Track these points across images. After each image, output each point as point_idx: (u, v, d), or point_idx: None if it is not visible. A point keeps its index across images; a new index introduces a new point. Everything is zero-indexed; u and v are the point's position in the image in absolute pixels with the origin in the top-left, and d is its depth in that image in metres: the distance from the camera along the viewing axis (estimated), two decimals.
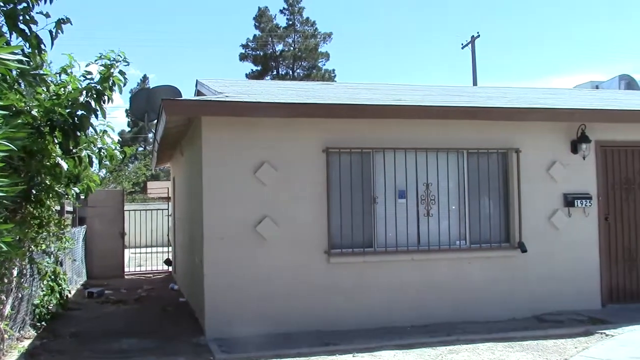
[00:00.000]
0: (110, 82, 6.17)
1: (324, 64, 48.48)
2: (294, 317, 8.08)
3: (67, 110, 5.87)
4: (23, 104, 5.61)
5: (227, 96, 8.66)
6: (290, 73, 47.55)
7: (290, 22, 48.48)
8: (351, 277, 8.39)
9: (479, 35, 32.50)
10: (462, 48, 33.62)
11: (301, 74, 46.79)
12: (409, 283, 8.57)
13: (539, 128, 9.21)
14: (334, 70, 48.51)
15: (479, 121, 8.94)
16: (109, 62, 6.20)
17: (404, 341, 7.47)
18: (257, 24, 48.39)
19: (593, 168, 9.43)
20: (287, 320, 8.04)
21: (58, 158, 5.92)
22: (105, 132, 6.70)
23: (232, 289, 7.97)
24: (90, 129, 6.25)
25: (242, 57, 48.67)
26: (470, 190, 9.02)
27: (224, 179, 8.08)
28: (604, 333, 7.70)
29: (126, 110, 48.22)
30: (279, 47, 48.28)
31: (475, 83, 31.26)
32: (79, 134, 6.06)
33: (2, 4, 4.57)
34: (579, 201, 9.20)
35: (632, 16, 74.69)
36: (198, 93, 11.36)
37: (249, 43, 48.38)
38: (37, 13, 4.89)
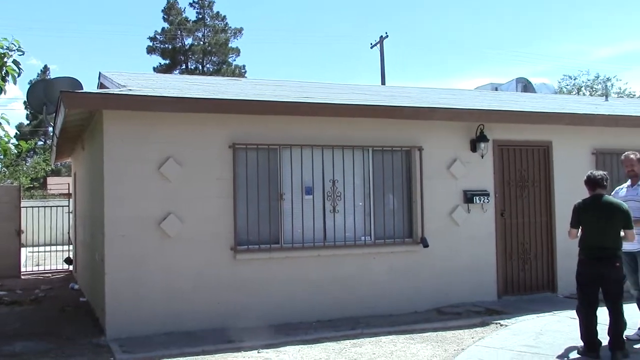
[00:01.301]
0: (3, 72, 5.88)
1: (235, 60, 48.06)
2: (199, 315, 7.99)
3: None
4: None
5: (130, 89, 8.43)
6: (200, 68, 46.80)
7: (200, 16, 47.71)
8: (257, 274, 8.38)
9: (387, 36, 33.15)
10: (371, 48, 34.22)
11: (211, 69, 46.14)
12: (315, 279, 8.66)
13: (440, 127, 9.53)
14: (244, 66, 48.20)
15: (384, 119, 9.15)
16: (1, 51, 5.89)
17: (309, 336, 7.54)
18: (165, 16, 47.29)
19: (491, 166, 9.87)
20: (192, 317, 7.94)
21: None
22: None
23: (135, 287, 7.78)
24: None
25: (150, 50, 47.45)
26: (375, 187, 9.22)
27: (126, 174, 7.86)
28: (499, 323, 8.08)
29: (24, 102, 45.90)
30: (189, 41, 47.44)
31: (383, 82, 31.89)
32: None
33: None
34: (477, 198, 9.61)
35: (529, 22, 78.62)
36: (101, 86, 10.99)
37: (157, 36, 47.23)
38: None
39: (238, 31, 48.14)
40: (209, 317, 8.02)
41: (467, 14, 78.98)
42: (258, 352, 6.90)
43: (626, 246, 6.45)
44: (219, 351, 6.96)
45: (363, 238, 9.10)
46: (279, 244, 8.58)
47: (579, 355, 6.32)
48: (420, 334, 7.64)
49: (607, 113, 11.15)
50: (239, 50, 48.20)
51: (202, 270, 8.10)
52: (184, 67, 46.94)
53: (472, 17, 78.86)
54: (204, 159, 8.22)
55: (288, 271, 8.54)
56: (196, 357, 6.77)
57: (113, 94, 8.11)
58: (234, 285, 8.24)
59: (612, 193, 7.07)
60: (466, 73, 72.39)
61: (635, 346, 6.61)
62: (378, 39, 33.47)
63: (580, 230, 6.44)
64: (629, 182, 7.05)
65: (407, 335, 7.59)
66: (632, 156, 6.99)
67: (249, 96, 9.33)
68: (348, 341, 7.34)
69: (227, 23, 48.07)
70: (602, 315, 6.33)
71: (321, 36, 74.56)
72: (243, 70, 47.43)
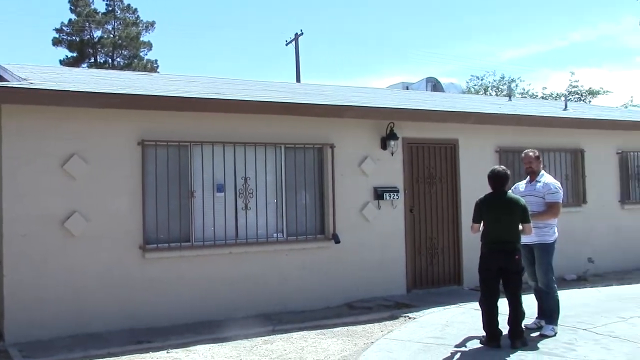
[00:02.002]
0: None
1: (146, 54, 46.75)
2: (106, 316, 7.75)
3: None
4: None
5: (31, 83, 8.05)
6: (110, 61, 45.26)
7: (110, 8, 46.11)
8: (167, 273, 8.23)
9: (302, 33, 33.29)
10: (286, 45, 34.23)
11: (121, 63, 44.72)
12: (227, 277, 8.60)
13: (352, 125, 9.67)
14: (156, 60, 46.91)
15: (297, 117, 9.19)
16: None
17: (220, 334, 7.48)
18: (73, 7, 45.41)
19: (400, 163, 10.11)
20: (99, 319, 7.70)
21: None
22: None
23: (37, 289, 7.45)
24: None
25: (56, 42, 45.42)
26: (287, 184, 9.25)
27: (27, 171, 7.52)
28: (408, 316, 8.30)
29: None
30: (98, 34, 45.81)
31: (298, 80, 32.00)
32: None
33: None
34: (387, 194, 9.82)
35: (440, 23, 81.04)
36: (0, 79, 10.43)
37: (64, 27, 45.31)
38: None
39: (150, 25, 46.89)
40: (117, 318, 7.80)
41: (381, 14, 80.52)
42: (167, 352, 6.78)
43: (525, 239, 6.78)
44: (126, 352, 6.79)
45: (275, 235, 9.11)
46: (190, 242, 8.46)
47: (481, 345, 6.58)
48: (332, 329, 7.74)
49: (509, 113, 11.68)
50: (151, 44, 46.93)
51: (109, 270, 7.87)
52: (92, 60, 45.27)
53: (386, 17, 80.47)
54: (111, 155, 7.98)
55: (199, 269, 8.43)
56: (101, 359, 6.57)
57: (11, 87, 7.73)
58: (143, 284, 8.05)
59: (512, 188, 7.41)
60: (380, 72, 73.75)
61: (533, 334, 6.94)
62: (293, 36, 33.55)
63: (482, 224, 6.71)
64: (527, 179, 7.40)
65: (319, 331, 7.66)
66: (530, 154, 7.35)
67: (159, 92, 9.14)
68: (259, 338, 7.34)
69: (138, 16, 46.69)
70: (503, 306, 6.62)
71: (236, 32, 73.95)
72: (155, 65, 46.23)
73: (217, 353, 6.74)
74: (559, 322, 7.06)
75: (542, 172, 7.35)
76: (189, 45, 70.15)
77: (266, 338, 7.35)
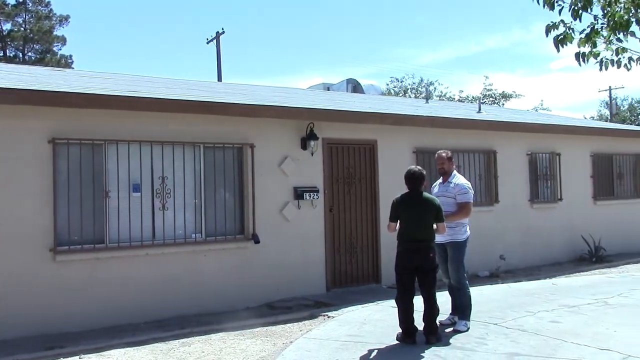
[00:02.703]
0: None
1: (60, 49, 45.03)
2: (15, 322, 7.40)
3: None
4: None
5: None
6: (21, 56, 43.31)
7: (21, 0, 44.19)
8: (81, 275, 7.96)
9: (223, 32, 32.96)
10: (207, 43, 33.83)
11: (33, 58, 42.92)
12: (144, 278, 8.40)
13: (272, 125, 9.66)
14: (71, 56, 45.23)
15: (216, 116, 9.10)
16: None
17: (136, 338, 7.30)
18: None
19: (320, 163, 10.18)
20: (7, 325, 7.33)
21: None
22: None
23: None
24: None
25: None
26: (206, 184, 9.13)
27: None
28: (327, 315, 8.36)
29: None
30: (7, 27, 43.73)
31: (220, 79, 31.65)
32: None
33: None
34: (307, 194, 9.87)
35: (362, 25, 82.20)
36: None
37: None
38: None
39: (64, 19, 45.16)
40: (27, 324, 7.48)
41: (305, 16, 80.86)
42: (80, 358, 6.57)
43: (438, 238, 6.97)
44: None
45: (194, 236, 8.98)
46: (104, 244, 8.21)
47: (397, 341, 6.72)
48: (251, 330, 7.70)
49: (425, 114, 11.98)
50: (65, 39, 45.21)
51: (17, 274, 7.53)
52: (1, 54, 43.19)
53: (310, 19, 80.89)
54: (19, 154, 7.64)
55: (114, 271, 8.20)
56: None
57: None
58: (55, 288, 7.76)
59: (431, 188, 7.62)
60: (302, 73, 74.08)
61: (447, 330, 7.15)
62: (214, 35, 33.17)
63: (398, 223, 6.86)
64: (441, 179, 7.61)
65: (238, 332, 7.61)
66: (442, 154, 7.55)
67: (72, 88, 8.82)
68: (177, 341, 7.21)
69: (51, 9, 44.87)
70: (419, 303, 6.79)
71: (157, 29, 72.30)
72: (70, 61, 44.56)
73: (133, 357, 6.57)
74: (472, 317, 7.29)
75: (455, 172, 7.56)
76: (106, 42, 68.07)
77: (184, 340, 7.23)
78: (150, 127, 8.59)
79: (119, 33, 68.45)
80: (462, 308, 7.27)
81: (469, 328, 7.12)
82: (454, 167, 7.64)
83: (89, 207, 8.15)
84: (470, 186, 7.45)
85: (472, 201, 7.38)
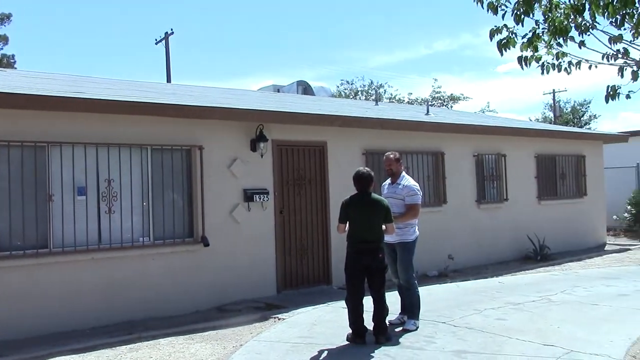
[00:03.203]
0: None
1: (2, 48, 43.69)
2: None
3: None
4: None
5: None
6: None
7: None
8: (22, 282, 7.72)
9: (172, 32, 32.54)
10: (156, 44, 33.33)
11: None
12: (90, 283, 8.21)
13: (221, 127, 9.58)
14: (13, 55, 43.85)
15: (163, 117, 8.96)
16: None
17: (82, 344, 7.13)
18: None
19: (270, 165, 10.15)
20: None
21: None
22: None
23: None
24: None
25: None
26: (154, 187, 8.98)
27: None
28: (278, 317, 8.33)
29: None
30: None
31: (169, 80, 31.23)
32: None
33: None
34: (257, 196, 9.82)
35: (314, 28, 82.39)
36: None
37: None
38: None
39: (6, 17, 43.79)
40: None
41: (255, 18, 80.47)
42: None
43: (387, 238, 7.04)
44: None
45: (141, 239, 8.83)
46: (48, 249, 7.99)
47: (347, 342, 6.75)
48: (201, 334, 7.61)
49: (374, 116, 12.07)
50: (7, 38, 43.86)
51: None
52: None
53: (260, 21, 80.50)
54: None
55: (58, 277, 7.99)
56: None
57: None
58: None
59: (380, 189, 7.68)
60: (252, 75, 73.69)
61: (397, 329, 7.22)
62: (163, 35, 32.71)
63: (348, 224, 6.89)
64: (389, 180, 7.68)
65: (187, 336, 7.51)
66: (390, 156, 7.63)
67: (12, 89, 8.55)
68: (125, 346, 7.07)
69: None
70: (369, 303, 6.83)
71: (104, 28, 70.81)
72: (12, 61, 43.23)
73: None
74: (421, 316, 7.39)
75: (403, 174, 7.64)
76: (51, 41, 66.37)
77: (131, 346, 7.09)
78: (95, 128, 8.41)
79: (65, 32, 66.85)
80: (411, 307, 7.35)
81: (418, 327, 7.21)
82: (402, 168, 7.72)
83: (31, 211, 7.92)
84: (418, 188, 7.55)
85: (420, 202, 7.48)
